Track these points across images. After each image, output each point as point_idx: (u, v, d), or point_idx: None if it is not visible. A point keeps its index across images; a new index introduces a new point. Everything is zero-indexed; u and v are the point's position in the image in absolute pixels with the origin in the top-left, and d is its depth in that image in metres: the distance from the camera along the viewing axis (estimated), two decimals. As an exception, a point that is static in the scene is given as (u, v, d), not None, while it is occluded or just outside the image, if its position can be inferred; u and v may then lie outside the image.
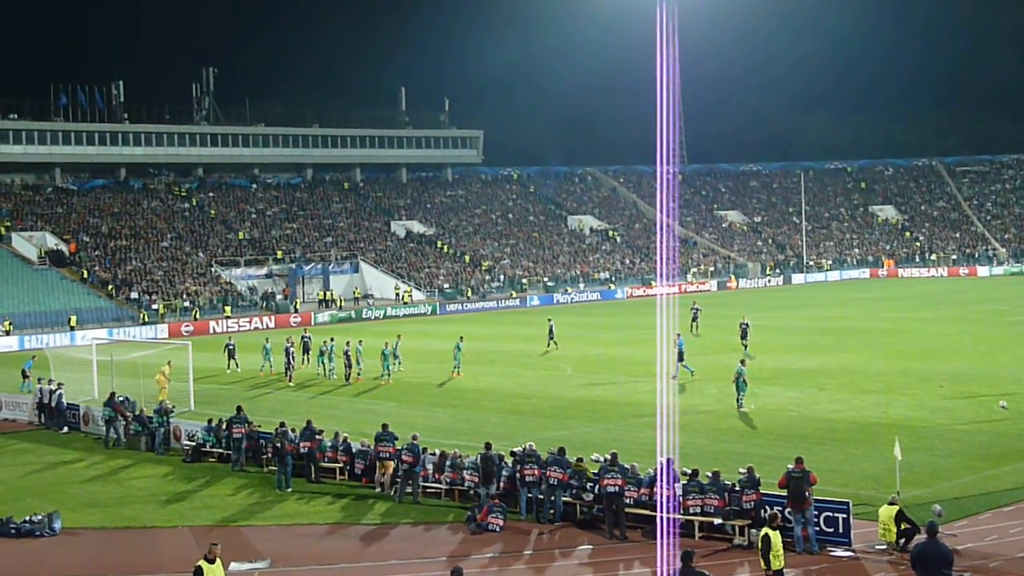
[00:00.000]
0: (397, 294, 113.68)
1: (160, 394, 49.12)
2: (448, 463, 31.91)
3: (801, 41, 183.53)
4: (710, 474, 27.76)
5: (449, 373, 57.04)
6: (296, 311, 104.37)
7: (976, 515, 27.82)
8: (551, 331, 66.46)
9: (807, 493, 25.83)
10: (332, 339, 60.47)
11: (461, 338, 58.80)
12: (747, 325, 62.19)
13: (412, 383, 54.88)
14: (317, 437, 35.41)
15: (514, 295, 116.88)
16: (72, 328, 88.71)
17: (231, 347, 63.07)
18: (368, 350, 57.92)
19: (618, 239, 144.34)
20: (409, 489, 31.86)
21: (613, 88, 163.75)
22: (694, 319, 73.94)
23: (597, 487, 28.38)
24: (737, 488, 27.06)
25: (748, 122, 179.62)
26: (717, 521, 26.96)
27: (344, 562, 26.47)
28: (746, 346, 59.96)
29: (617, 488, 27.61)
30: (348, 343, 57.57)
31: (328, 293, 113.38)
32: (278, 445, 34.63)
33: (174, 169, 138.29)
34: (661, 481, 27.14)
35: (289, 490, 33.67)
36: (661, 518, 25.36)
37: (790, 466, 26.56)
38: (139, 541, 29.25)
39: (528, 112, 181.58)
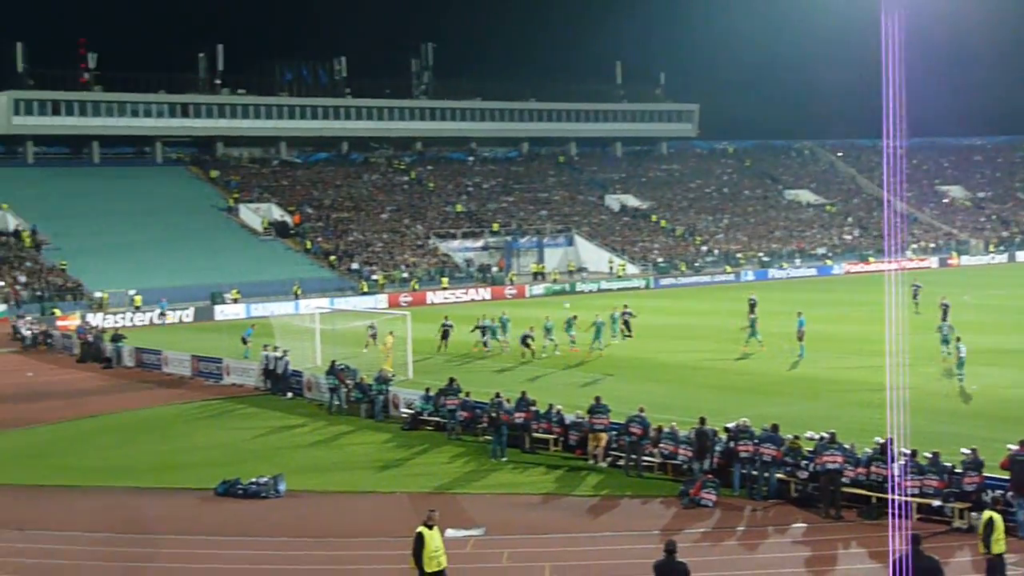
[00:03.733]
0: (611, 268, 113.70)
1: (385, 362, 50.37)
2: (663, 437, 31.90)
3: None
4: (929, 455, 27.14)
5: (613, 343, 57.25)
6: (511, 283, 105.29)
7: None
8: (752, 306, 65.50)
9: (1031, 477, 25.05)
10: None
11: (625, 306, 58.12)
12: (946, 306, 60.09)
13: (623, 357, 54.87)
14: (532, 408, 35.82)
15: (728, 270, 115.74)
16: (296, 297, 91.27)
17: (448, 327, 60.49)
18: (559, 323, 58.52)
19: (836, 213, 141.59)
20: (633, 461, 32.00)
21: (831, 60, 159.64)
22: (915, 296, 72.13)
23: (813, 465, 28.05)
24: (958, 470, 26.43)
25: (971, 95, 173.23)
26: (936, 503, 26.37)
27: (557, 532, 26.70)
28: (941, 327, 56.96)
29: (836, 465, 27.25)
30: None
31: (541, 266, 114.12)
32: (493, 415, 35.13)
33: (394, 143, 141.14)
34: (891, 460, 26.57)
35: (504, 460, 34.14)
36: (893, 499, 24.82)
37: (1014, 447, 25.77)
38: (359, 505, 30.06)
39: (744, 85, 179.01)
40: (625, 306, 55.08)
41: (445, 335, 59.45)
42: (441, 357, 56.64)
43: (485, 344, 58.62)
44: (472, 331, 59.28)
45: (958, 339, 45.63)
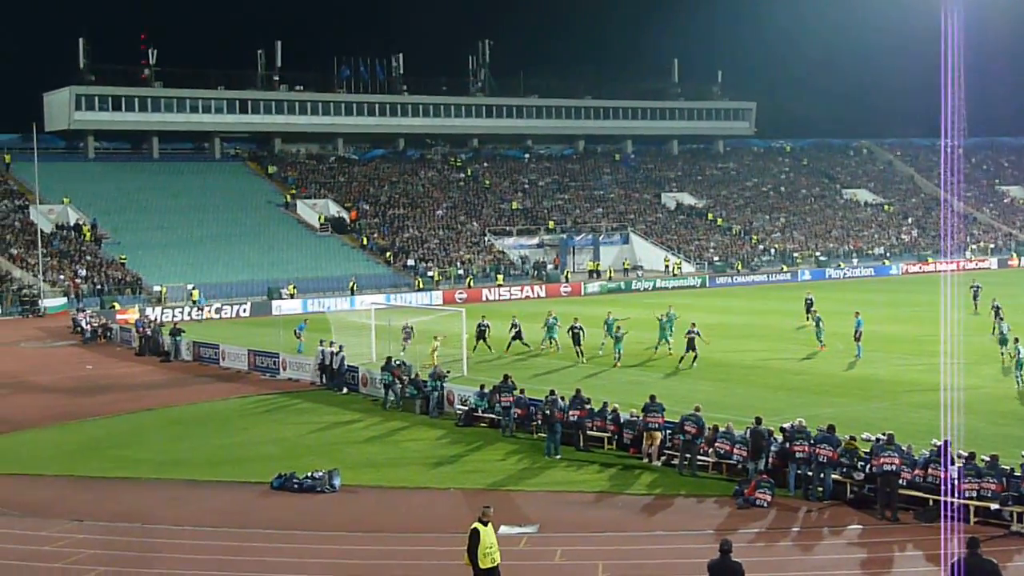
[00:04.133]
0: (666, 266, 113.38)
1: (430, 358, 50.69)
2: (718, 436, 31.80)
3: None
4: (987, 457, 26.88)
5: (667, 350, 55.57)
6: (567, 281, 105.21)
7: None
8: (809, 306, 65.36)
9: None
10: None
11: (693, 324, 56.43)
12: (998, 307, 59.63)
13: (678, 356, 54.59)
14: (586, 406, 35.81)
15: (785, 269, 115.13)
16: (352, 293, 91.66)
17: (518, 327, 59.08)
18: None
19: (894, 213, 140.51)
20: (687, 460, 31.97)
21: (889, 59, 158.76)
22: (975, 297, 71.50)
23: (870, 466, 27.88)
24: (1018, 473, 26.17)
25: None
26: (994, 506, 26.12)
27: (611, 530, 26.69)
28: (995, 328, 56.33)
29: (894, 467, 27.06)
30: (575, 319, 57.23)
31: (596, 264, 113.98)
32: (547, 413, 35.15)
33: (450, 140, 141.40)
34: (946, 462, 26.35)
35: (558, 457, 34.14)
36: (945, 502, 24.64)
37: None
38: (413, 501, 30.11)
39: (801, 84, 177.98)
40: (693, 325, 53.37)
41: (481, 335, 58.26)
42: (493, 356, 56.60)
43: (550, 341, 58.10)
44: (510, 330, 58.74)
45: (1016, 340, 45.18)
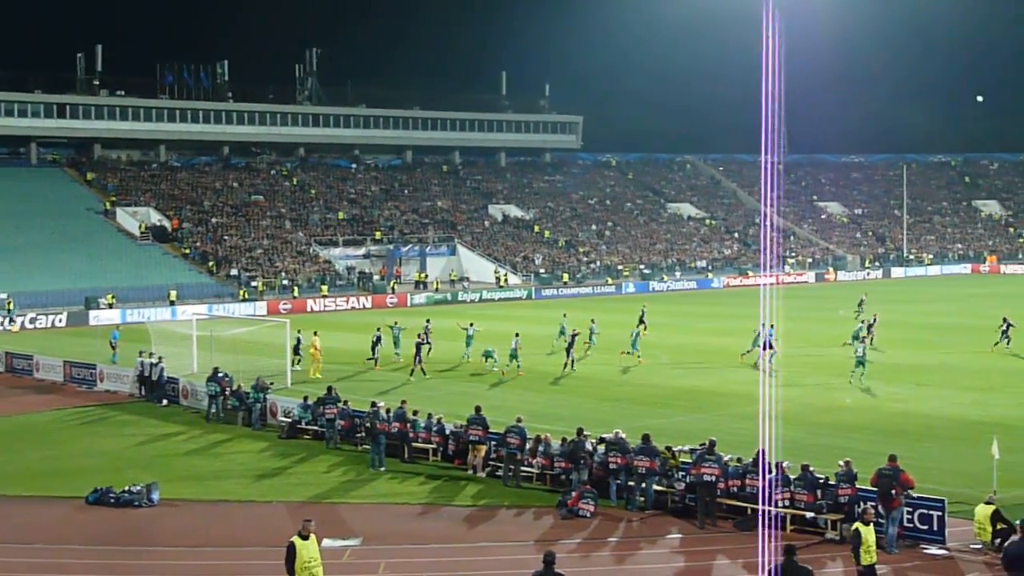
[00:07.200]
0: (497, 277, 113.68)
1: (312, 368, 52.25)
2: (540, 448, 31.97)
3: (908, 31, 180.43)
4: (800, 468, 27.53)
5: (634, 358, 56.35)
6: (392, 292, 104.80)
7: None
8: (642, 317, 66.57)
9: (893, 492, 25.45)
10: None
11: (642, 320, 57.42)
12: (870, 324, 61.58)
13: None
14: (412, 417, 35.66)
15: (610, 282, 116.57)
16: (172, 303, 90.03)
17: (377, 337, 57.54)
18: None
19: (716, 227, 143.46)
20: (511, 472, 32.01)
21: (715, 76, 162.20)
22: (859, 305, 75.07)
23: (689, 475, 28.33)
24: (832, 482, 26.83)
25: (851, 113, 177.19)
26: (809, 515, 26.74)
27: (436, 542, 26.62)
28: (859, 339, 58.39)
29: (713, 478, 27.51)
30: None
31: (423, 275, 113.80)
32: (369, 425, 34.98)
33: (276, 148, 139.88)
34: (763, 472, 26.90)
35: (382, 469, 33.95)
36: (762, 510, 25.14)
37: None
38: (235, 514, 29.71)
39: (628, 99, 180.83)
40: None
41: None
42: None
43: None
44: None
45: (858, 338, 47.05)
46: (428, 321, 61.00)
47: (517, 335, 55.02)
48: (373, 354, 56.77)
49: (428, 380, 51.45)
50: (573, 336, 55.25)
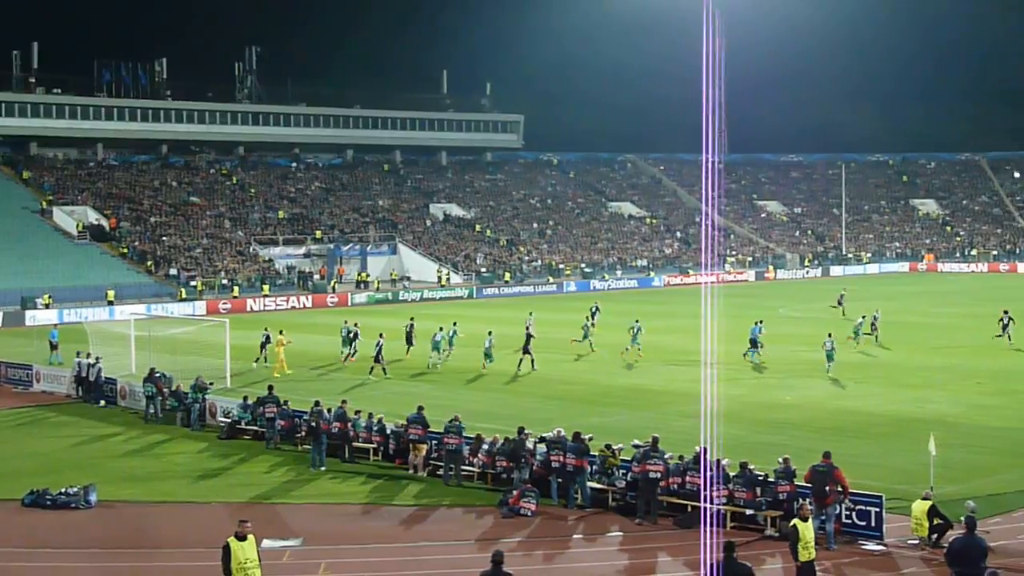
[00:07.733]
0: (439, 277, 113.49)
1: (277, 365, 53.23)
2: (483, 447, 31.96)
3: (846, 31, 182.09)
4: (739, 465, 27.67)
5: (627, 353, 57.16)
6: (333, 291, 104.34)
7: (1011, 512, 27.68)
8: (593, 313, 67.20)
9: (828, 489, 25.62)
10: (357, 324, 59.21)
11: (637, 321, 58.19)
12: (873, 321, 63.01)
13: (452, 367, 54.74)
14: (354, 417, 35.52)
15: (551, 280, 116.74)
16: (110, 303, 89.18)
17: (355, 333, 57.64)
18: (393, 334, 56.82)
19: (657, 226, 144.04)
20: (452, 471, 31.97)
21: (656, 76, 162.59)
22: (840, 302, 76.89)
23: (631, 473, 28.41)
24: (771, 479, 26.99)
25: (790, 113, 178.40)
26: (749, 512, 26.90)
27: (377, 542, 26.55)
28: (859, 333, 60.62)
29: (655, 474, 27.59)
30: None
31: (364, 274, 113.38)
32: (312, 424, 34.82)
33: (215, 147, 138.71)
34: (704, 470, 26.99)
35: (323, 469, 33.83)
36: (704, 507, 25.23)
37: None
38: (174, 515, 29.48)
39: (569, 98, 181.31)
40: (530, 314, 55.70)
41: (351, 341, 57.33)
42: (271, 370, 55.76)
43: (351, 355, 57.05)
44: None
45: (830, 334, 48.64)
46: (412, 319, 60.85)
47: (491, 333, 55.38)
48: (350, 348, 57.26)
49: (389, 380, 51.34)
50: (528, 337, 55.29)
